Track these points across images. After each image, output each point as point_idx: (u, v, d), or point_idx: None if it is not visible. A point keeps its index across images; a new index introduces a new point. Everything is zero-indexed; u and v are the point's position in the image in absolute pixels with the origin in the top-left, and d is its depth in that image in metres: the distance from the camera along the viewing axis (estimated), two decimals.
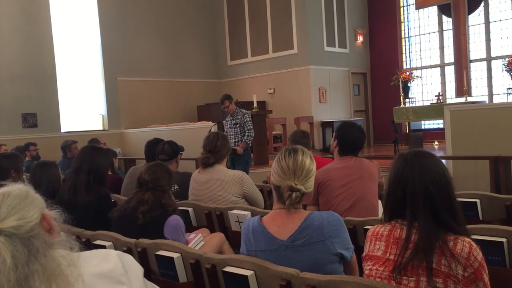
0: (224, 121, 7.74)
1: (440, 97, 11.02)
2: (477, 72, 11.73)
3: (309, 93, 11.63)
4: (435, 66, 12.56)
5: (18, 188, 1.15)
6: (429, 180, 1.63)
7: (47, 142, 9.14)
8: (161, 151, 4.21)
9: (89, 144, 3.79)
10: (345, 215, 2.73)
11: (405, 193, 1.65)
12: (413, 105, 12.04)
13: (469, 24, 11.49)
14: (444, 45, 12.32)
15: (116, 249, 2.53)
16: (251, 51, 12.71)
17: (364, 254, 1.73)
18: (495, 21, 11.45)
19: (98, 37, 11.30)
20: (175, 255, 2.30)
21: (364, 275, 1.71)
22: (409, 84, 12.08)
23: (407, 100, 11.89)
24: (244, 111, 6.99)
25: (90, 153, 3.38)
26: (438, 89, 12.17)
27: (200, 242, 2.93)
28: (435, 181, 1.63)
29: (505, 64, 10.37)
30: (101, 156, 3.42)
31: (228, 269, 2.02)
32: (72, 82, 11.14)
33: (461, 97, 10.66)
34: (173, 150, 4.24)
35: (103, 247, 2.59)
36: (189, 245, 2.72)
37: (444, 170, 1.67)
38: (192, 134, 8.60)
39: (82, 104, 11.36)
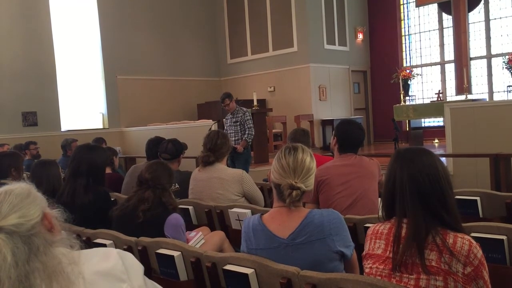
0: (224, 120, 7.73)
1: (440, 95, 11.03)
2: (477, 69, 11.73)
3: (309, 91, 11.62)
4: (435, 64, 12.55)
5: (20, 187, 1.16)
6: (419, 173, 1.63)
7: (47, 141, 9.15)
8: (165, 150, 4.20)
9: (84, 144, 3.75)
10: (346, 213, 2.74)
11: (395, 187, 1.66)
12: (413, 103, 12.05)
13: (469, 22, 11.49)
14: (444, 43, 12.31)
15: (116, 247, 2.53)
16: (251, 49, 12.70)
17: (364, 252, 1.73)
18: (495, 19, 11.44)
19: (98, 35, 11.29)
20: (175, 253, 2.30)
21: (364, 273, 1.71)
22: (409, 82, 12.08)
23: (407, 98, 11.89)
24: (244, 109, 6.99)
25: (87, 153, 3.34)
26: (438, 87, 12.17)
27: (201, 240, 2.93)
28: (426, 174, 1.63)
29: (505, 62, 10.37)
30: (98, 155, 3.39)
31: (229, 267, 2.03)
32: (72, 80, 11.13)
33: (461, 94, 10.67)
34: (176, 149, 4.22)
35: (104, 245, 2.60)
36: (190, 244, 2.72)
37: (438, 164, 1.67)
38: (192, 133, 8.59)
39: (82, 103, 11.35)
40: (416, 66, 12.73)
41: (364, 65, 13.28)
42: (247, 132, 6.76)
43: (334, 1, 12.24)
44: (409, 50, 13.03)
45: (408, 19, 13.00)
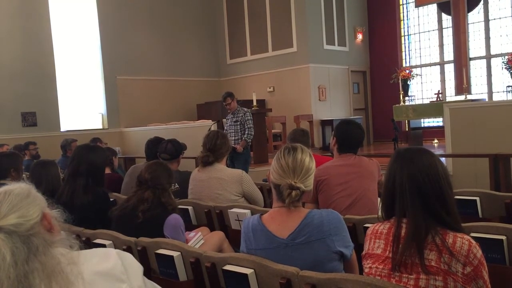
0: (224, 120, 7.74)
1: (440, 95, 11.03)
2: (477, 70, 11.73)
3: (308, 92, 11.62)
4: (435, 64, 12.56)
5: (20, 187, 1.16)
6: (419, 172, 1.63)
7: (47, 141, 9.14)
8: (164, 150, 4.20)
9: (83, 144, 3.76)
10: (345, 213, 2.74)
11: (395, 186, 1.66)
12: (413, 103, 12.05)
13: (469, 22, 11.49)
14: (444, 43, 12.31)
15: (116, 247, 2.53)
16: (250, 49, 12.70)
17: (364, 252, 1.73)
18: (494, 19, 11.44)
19: (98, 36, 11.29)
20: (175, 253, 2.30)
21: (364, 273, 1.71)
22: (408, 82, 12.08)
23: (406, 98, 11.89)
24: (245, 109, 7.02)
25: (86, 153, 3.34)
26: (437, 87, 12.17)
27: (200, 240, 2.93)
28: (425, 174, 1.63)
29: (505, 62, 10.36)
30: (97, 155, 3.39)
31: (228, 267, 2.03)
32: (72, 80, 11.13)
33: (460, 95, 10.68)
34: (176, 150, 4.23)
35: (103, 245, 2.59)
36: (189, 244, 2.72)
37: (437, 164, 1.67)
38: (191, 133, 8.60)
39: (81, 103, 11.36)
40: (416, 66, 12.73)
41: (363, 65, 13.28)
42: (246, 132, 6.77)
43: (333, 1, 12.24)
44: (409, 50, 13.03)
45: (407, 19, 13.00)
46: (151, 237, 2.49)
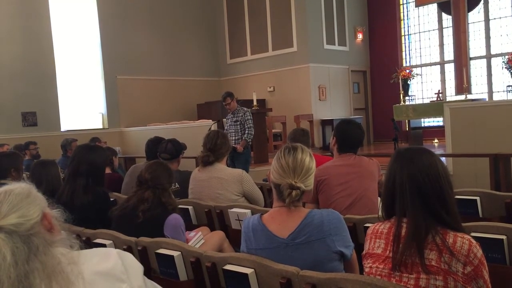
0: (224, 120, 7.75)
1: (440, 95, 11.03)
2: (477, 69, 11.73)
3: (308, 91, 11.62)
4: (435, 63, 12.55)
5: (20, 187, 1.16)
6: (419, 172, 1.63)
7: (47, 141, 9.14)
8: (164, 150, 4.20)
9: (84, 144, 3.76)
10: (345, 213, 2.74)
11: (395, 186, 1.66)
12: (413, 102, 12.05)
13: (469, 22, 11.49)
14: (444, 43, 12.31)
15: (116, 247, 2.53)
16: (250, 49, 12.70)
17: (364, 252, 1.73)
18: (494, 19, 11.44)
19: (98, 35, 11.30)
20: (175, 253, 2.30)
21: (364, 273, 1.71)
22: (409, 82, 12.08)
23: (407, 98, 11.89)
24: (245, 109, 7.02)
25: (87, 153, 3.34)
26: (438, 86, 12.17)
27: (200, 240, 2.93)
28: (426, 174, 1.63)
29: (505, 62, 10.36)
30: (97, 155, 3.39)
31: (228, 267, 2.03)
32: (72, 80, 11.14)
33: (461, 94, 10.67)
34: (176, 149, 4.23)
35: (103, 245, 2.60)
36: (189, 244, 2.72)
37: (438, 164, 1.67)
38: (192, 133, 8.60)
39: (81, 103, 11.36)
40: (416, 66, 12.73)
41: (363, 65, 13.28)
42: (247, 131, 6.77)
43: (333, 1, 12.24)
44: (409, 50, 13.02)
45: (407, 19, 13.00)
46: (151, 237, 2.49)
